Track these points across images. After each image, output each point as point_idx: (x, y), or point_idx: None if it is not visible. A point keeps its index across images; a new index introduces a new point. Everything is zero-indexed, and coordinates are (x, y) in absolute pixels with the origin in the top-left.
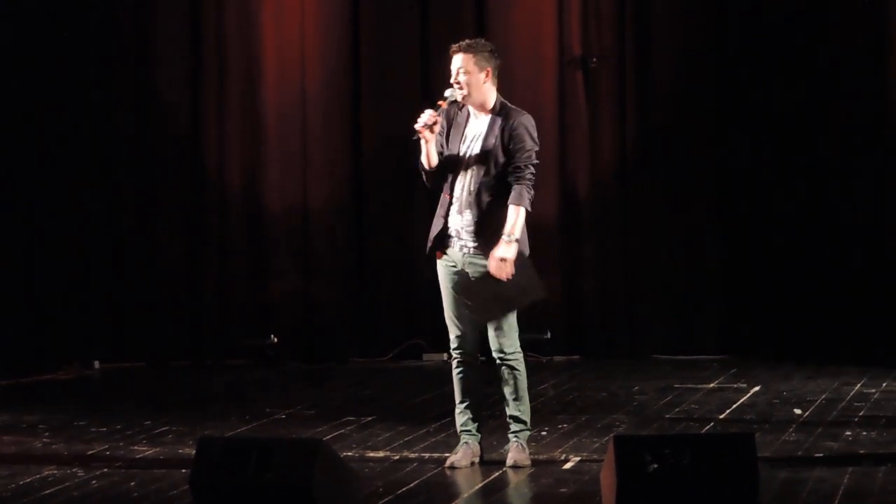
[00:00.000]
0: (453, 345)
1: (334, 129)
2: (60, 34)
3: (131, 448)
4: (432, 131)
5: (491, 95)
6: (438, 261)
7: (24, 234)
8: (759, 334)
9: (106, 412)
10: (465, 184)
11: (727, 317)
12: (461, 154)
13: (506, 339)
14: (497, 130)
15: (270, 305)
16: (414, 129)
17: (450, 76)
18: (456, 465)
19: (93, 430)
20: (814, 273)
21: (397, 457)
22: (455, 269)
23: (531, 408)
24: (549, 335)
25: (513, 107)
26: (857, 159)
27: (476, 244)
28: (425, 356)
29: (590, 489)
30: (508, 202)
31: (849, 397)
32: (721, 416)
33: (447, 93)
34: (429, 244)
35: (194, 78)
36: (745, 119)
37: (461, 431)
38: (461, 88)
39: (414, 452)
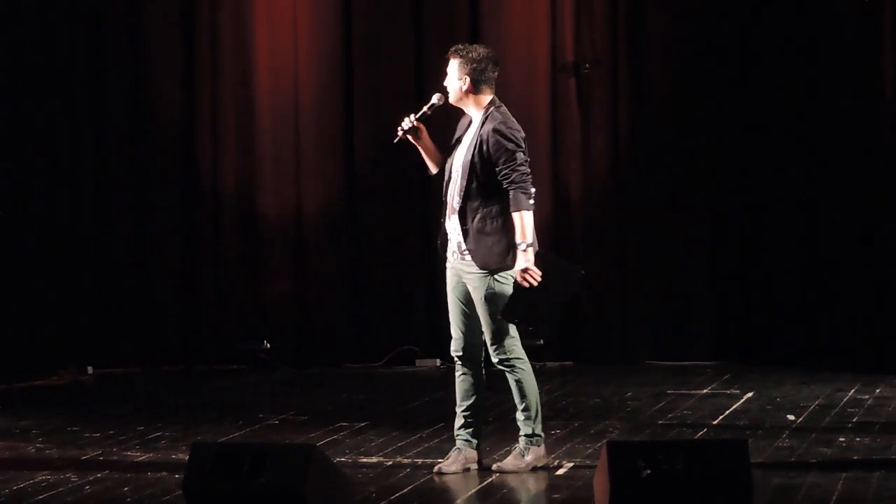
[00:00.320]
0: (452, 347)
1: (328, 134)
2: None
3: (125, 453)
4: (417, 136)
5: (472, 105)
6: (447, 263)
7: (17, 239)
8: (752, 340)
9: (99, 417)
10: (452, 191)
11: (720, 323)
12: (452, 161)
13: (496, 346)
14: (476, 140)
15: (264, 310)
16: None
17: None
18: (443, 471)
19: (86, 435)
20: (807, 279)
21: (390, 462)
22: (454, 272)
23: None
24: (542, 341)
25: (496, 113)
26: (851, 165)
27: (465, 250)
28: (418, 362)
29: (583, 495)
30: (511, 211)
31: (842, 403)
32: (714, 422)
33: (433, 98)
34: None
35: (188, 83)
36: (738, 124)
37: (455, 436)
38: (447, 93)
39: (407, 458)
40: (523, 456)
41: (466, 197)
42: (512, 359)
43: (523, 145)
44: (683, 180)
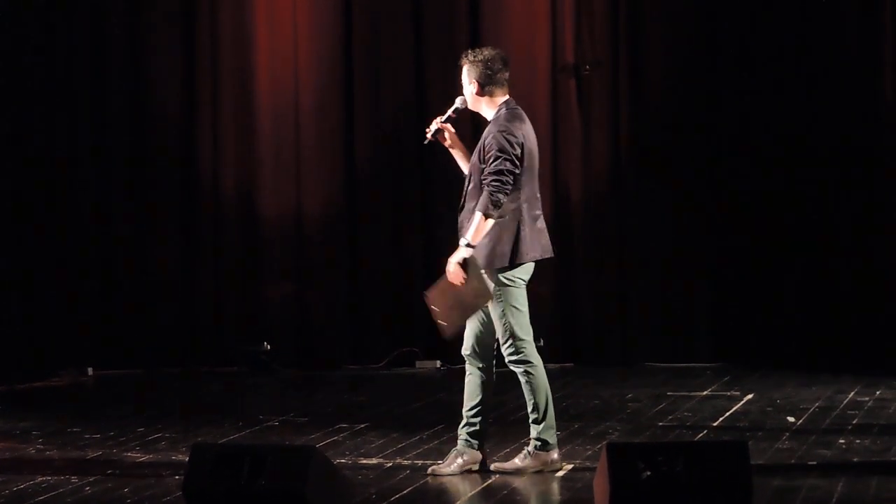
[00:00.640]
0: (462, 347)
1: (328, 136)
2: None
3: (125, 454)
4: (443, 138)
5: (485, 108)
6: None
7: (18, 242)
8: (752, 342)
9: (100, 419)
10: (464, 192)
11: (720, 324)
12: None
13: (506, 344)
14: (480, 143)
15: (264, 312)
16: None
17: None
18: (436, 472)
19: (86, 436)
20: (807, 281)
21: (390, 464)
22: None
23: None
24: (542, 342)
25: (503, 116)
26: (851, 166)
27: None
28: (419, 364)
29: (583, 497)
30: (474, 208)
31: (842, 405)
32: (714, 424)
33: (457, 102)
34: None
35: (188, 83)
36: (738, 125)
37: (458, 436)
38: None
39: (407, 460)
40: (526, 458)
41: (469, 198)
42: (521, 360)
43: (515, 150)
44: (683, 181)
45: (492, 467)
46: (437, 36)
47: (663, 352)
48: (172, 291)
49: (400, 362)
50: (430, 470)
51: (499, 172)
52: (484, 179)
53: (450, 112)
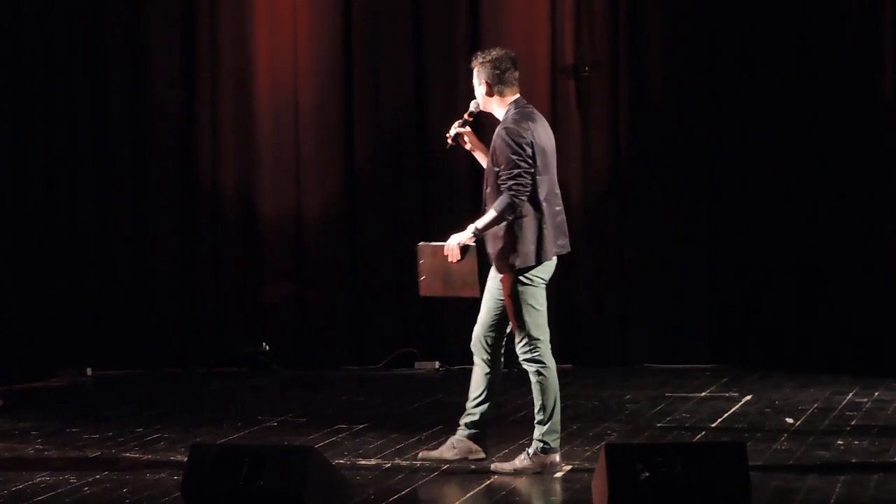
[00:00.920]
0: None
1: (327, 137)
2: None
3: (124, 454)
4: (463, 141)
5: (496, 107)
6: None
7: (17, 242)
8: (751, 343)
9: (98, 419)
10: (483, 196)
11: (719, 326)
12: None
13: (520, 343)
14: (492, 145)
15: (263, 312)
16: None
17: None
18: (420, 455)
19: (85, 436)
20: (806, 282)
21: (389, 465)
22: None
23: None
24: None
25: (510, 115)
26: (851, 167)
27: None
28: (417, 364)
29: (581, 498)
30: (490, 205)
31: (841, 406)
32: (713, 425)
33: (471, 105)
34: None
35: (188, 84)
36: (737, 126)
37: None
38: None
39: (405, 460)
40: (526, 459)
41: (485, 201)
42: (535, 360)
43: (526, 151)
44: (683, 182)
45: (491, 467)
46: (437, 36)
47: (662, 353)
48: (172, 292)
49: (399, 363)
50: (420, 454)
51: (515, 176)
52: (503, 185)
53: (465, 115)
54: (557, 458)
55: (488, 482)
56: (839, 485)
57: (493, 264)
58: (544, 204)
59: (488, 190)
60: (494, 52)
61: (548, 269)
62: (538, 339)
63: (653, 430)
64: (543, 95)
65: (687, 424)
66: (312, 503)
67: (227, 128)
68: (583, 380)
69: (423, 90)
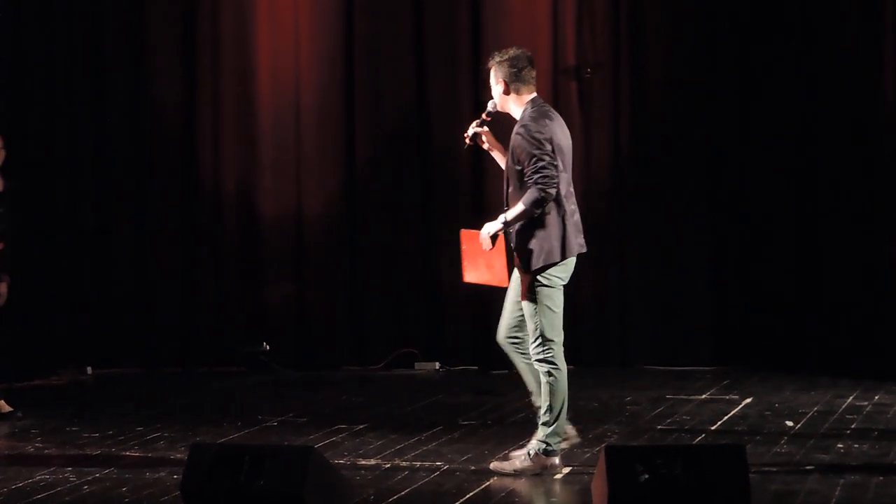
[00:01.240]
0: None
1: (328, 137)
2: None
3: (123, 453)
4: (482, 141)
5: (513, 106)
6: None
7: (18, 240)
8: (751, 346)
9: (99, 417)
10: (504, 196)
11: (720, 328)
12: None
13: (534, 343)
14: (511, 143)
15: (263, 312)
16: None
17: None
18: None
19: (85, 435)
20: (807, 285)
21: (388, 465)
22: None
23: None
24: None
25: (528, 113)
26: (852, 169)
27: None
28: (418, 365)
29: (581, 499)
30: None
31: (841, 410)
32: (713, 428)
33: (488, 105)
34: None
35: (189, 83)
36: (738, 127)
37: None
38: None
39: (405, 461)
40: (526, 460)
41: (511, 201)
42: (545, 360)
43: (546, 146)
44: (683, 184)
45: (490, 466)
46: (438, 37)
47: (662, 355)
48: (172, 291)
49: (399, 363)
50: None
51: (540, 169)
52: (529, 179)
53: (484, 115)
54: (556, 460)
55: (488, 483)
56: (839, 488)
57: (516, 263)
58: (564, 201)
59: (510, 189)
60: (512, 51)
61: (567, 269)
62: (552, 341)
63: (653, 431)
64: (545, 96)
65: (687, 426)
66: (312, 503)
67: (228, 127)
68: (583, 381)
69: (424, 90)
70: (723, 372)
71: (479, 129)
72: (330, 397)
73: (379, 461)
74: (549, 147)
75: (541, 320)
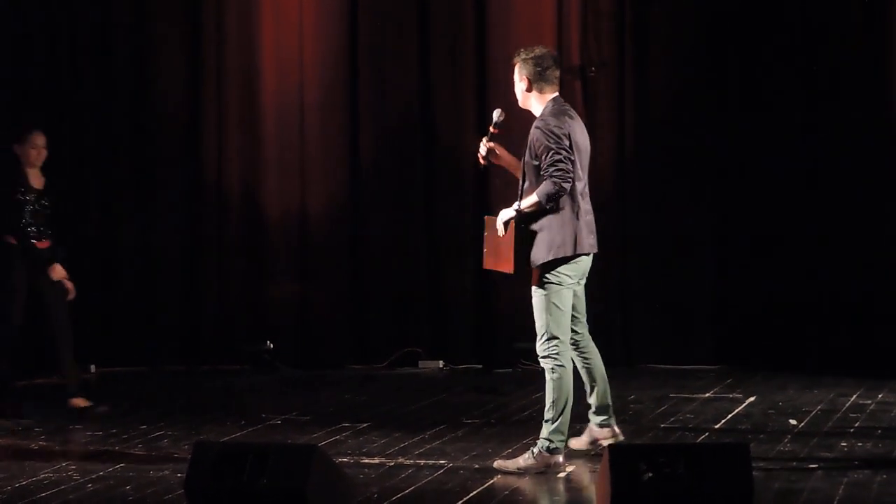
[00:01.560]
0: None
1: (332, 136)
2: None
3: (127, 452)
4: (495, 156)
5: (535, 103)
6: None
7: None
8: (755, 344)
9: (102, 416)
10: (519, 191)
11: (723, 326)
12: None
13: (540, 339)
14: (529, 139)
15: (267, 311)
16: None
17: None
18: (570, 445)
19: (89, 433)
20: (811, 283)
21: (392, 463)
22: None
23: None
24: None
25: (547, 110)
26: (855, 167)
27: None
28: (421, 363)
29: (584, 498)
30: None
31: (845, 408)
32: (716, 426)
33: (494, 115)
34: None
35: (193, 83)
36: (742, 127)
37: None
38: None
39: (409, 459)
40: (530, 458)
41: (523, 195)
42: (549, 357)
43: (564, 141)
44: (687, 183)
45: (494, 465)
46: (443, 36)
47: (666, 353)
48: (176, 289)
49: (403, 362)
50: (571, 442)
51: (556, 162)
52: (545, 172)
53: (491, 129)
54: (560, 459)
55: (491, 481)
56: (842, 486)
57: (528, 257)
58: (579, 198)
59: (526, 185)
60: (537, 50)
61: (578, 267)
62: (557, 339)
63: (656, 430)
64: None
65: (690, 425)
66: (315, 501)
67: (233, 126)
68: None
69: (429, 90)
70: (726, 370)
71: (490, 145)
72: (333, 396)
73: (382, 459)
74: (566, 142)
75: (547, 317)
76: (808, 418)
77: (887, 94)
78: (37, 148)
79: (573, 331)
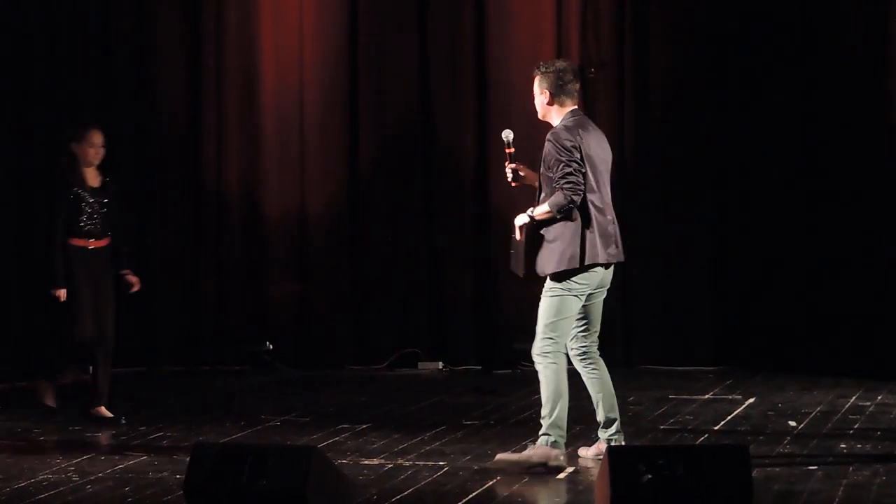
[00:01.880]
0: None
1: (332, 136)
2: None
3: (126, 453)
4: (521, 173)
5: (555, 116)
6: None
7: (19, 240)
8: (754, 345)
9: (101, 417)
10: (537, 202)
11: (722, 328)
12: None
13: (537, 337)
14: (543, 151)
15: (266, 311)
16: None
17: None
18: (579, 454)
19: (87, 434)
20: (810, 285)
21: (391, 464)
22: None
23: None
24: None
25: (562, 123)
26: (855, 167)
27: None
28: (421, 365)
29: (584, 499)
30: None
31: (844, 409)
32: (716, 428)
33: (503, 136)
34: None
35: (193, 84)
36: (742, 128)
37: None
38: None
39: (408, 460)
40: (531, 449)
41: (538, 204)
42: (543, 354)
43: (574, 154)
44: (687, 184)
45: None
46: (443, 36)
47: (665, 355)
48: (175, 290)
49: (402, 363)
50: (581, 452)
51: (566, 175)
52: (556, 185)
53: (507, 150)
54: (560, 454)
55: (491, 483)
56: (842, 488)
57: (537, 265)
58: (592, 209)
59: (542, 196)
60: (559, 63)
61: (591, 278)
62: (552, 339)
63: (656, 432)
64: None
65: (690, 427)
66: (315, 502)
67: (232, 126)
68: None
69: (428, 90)
70: (725, 372)
71: (512, 166)
72: (333, 397)
73: (382, 461)
74: (577, 155)
75: (549, 319)
76: (807, 420)
77: (887, 95)
78: (95, 146)
79: (583, 340)
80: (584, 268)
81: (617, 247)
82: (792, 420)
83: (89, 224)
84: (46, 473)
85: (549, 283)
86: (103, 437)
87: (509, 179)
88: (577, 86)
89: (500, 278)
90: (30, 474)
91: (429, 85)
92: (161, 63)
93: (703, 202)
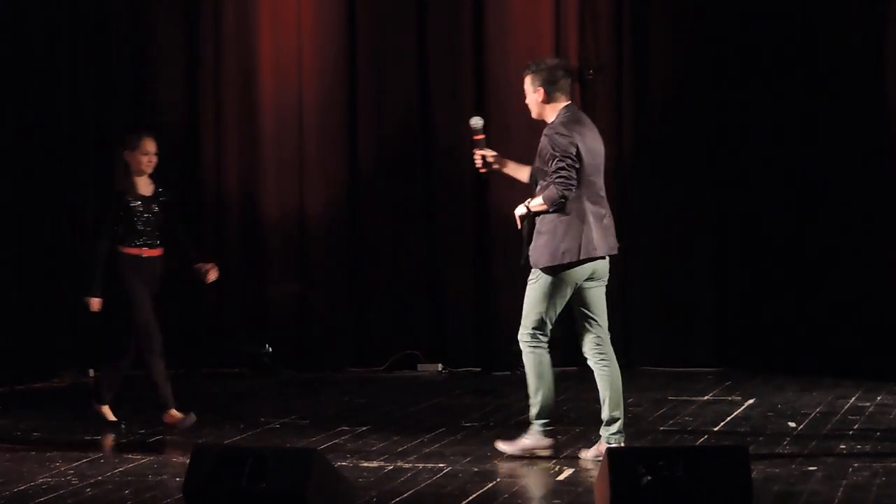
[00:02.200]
0: None
1: (331, 137)
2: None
3: (125, 456)
4: (495, 162)
5: (549, 113)
6: None
7: (18, 242)
8: (754, 347)
9: (100, 420)
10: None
11: (722, 329)
12: None
13: (522, 325)
14: (539, 146)
15: (266, 313)
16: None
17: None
18: (579, 456)
19: (87, 437)
20: (809, 285)
21: (391, 467)
22: None
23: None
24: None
25: (557, 118)
26: (855, 167)
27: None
28: (420, 366)
29: (584, 501)
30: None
31: (843, 410)
32: (715, 429)
33: (471, 122)
34: None
35: (191, 86)
36: (740, 129)
37: None
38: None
39: (408, 462)
40: (525, 437)
41: (535, 197)
42: (526, 343)
43: (569, 150)
44: (686, 185)
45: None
46: (441, 37)
47: (664, 356)
48: (174, 292)
49: (402, 365)
50: (581, 454)
51: (559, 170)
52: (549, 179)
53: (475, 137)
54: (545, 441)
55: (491, 484)
56: (841, 489)
57: (531, 258)
58: (587, 203)
59: (538, 189)
60: (549, 61)
61: (586, 270)
62: (538, 329)
63: (655, 433)
64: None
65: (689, 428)
66: None
67: (231, 127)
68: (585, 383)
69: (427, 90)
70: (725, 373)
71: (482, 152)
72: (332, 399)
73: (381, 463)
74: (572, 150)
75: (537, 308)
76: (807, 420)
77: (887, 91)
78: (148, 155)
79: (592, 333)
80: (578, 262)
81: (612, 239)
82: (791, 421)
83: (142, 233)
84: (46, 476)
85: (539, 274)
86: (103, 439)
87: (479, 166)
88: (569, 81)
89: (499, 279)
90: (29, 477)
91: (428, 86)
92: (161, 63)
93: (703, 202)
